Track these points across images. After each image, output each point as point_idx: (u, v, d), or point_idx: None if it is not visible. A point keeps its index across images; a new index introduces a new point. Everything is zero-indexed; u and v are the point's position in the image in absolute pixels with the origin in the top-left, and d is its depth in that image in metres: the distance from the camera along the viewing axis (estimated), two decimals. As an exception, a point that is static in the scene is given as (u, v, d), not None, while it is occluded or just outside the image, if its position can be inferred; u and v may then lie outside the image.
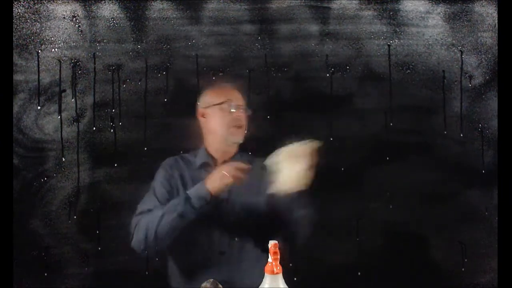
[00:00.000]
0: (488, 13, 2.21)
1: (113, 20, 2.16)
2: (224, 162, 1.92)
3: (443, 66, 2.21)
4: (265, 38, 2.20)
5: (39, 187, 2.13)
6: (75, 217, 2.13)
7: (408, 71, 2.21)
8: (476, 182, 2.20)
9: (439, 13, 2.21)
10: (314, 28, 2.21)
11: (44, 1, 2.13)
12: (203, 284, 1.40)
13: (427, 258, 2.21)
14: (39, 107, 2.13)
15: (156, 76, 2.18)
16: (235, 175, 1.75)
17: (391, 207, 2.17)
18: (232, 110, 1.91)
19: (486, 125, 2.21)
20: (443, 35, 2.21)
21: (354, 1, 2.20)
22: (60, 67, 2.14)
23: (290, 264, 1.82)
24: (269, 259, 1.36)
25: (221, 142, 1.93)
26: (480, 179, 2.19)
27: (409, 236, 2.20)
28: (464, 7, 2.21)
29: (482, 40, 2.21)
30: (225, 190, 1.78)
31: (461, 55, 2.20)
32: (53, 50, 2.14)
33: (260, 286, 1.37)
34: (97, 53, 2.15)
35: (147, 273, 2.10)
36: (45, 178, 2.13)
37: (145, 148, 2.15)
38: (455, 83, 2.21)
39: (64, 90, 2.14)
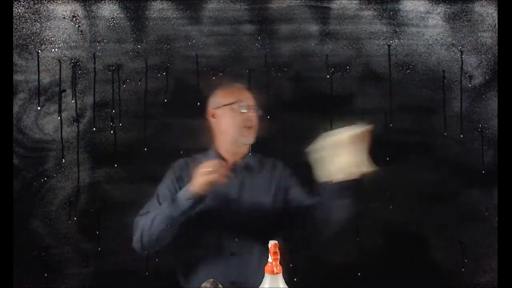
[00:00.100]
0: (488, 13, 2.20)
1: (113, 20, 2.16)
2: (235, 162, 1.93)
3: (443, 66, 2.21)
4: (265, 38, 2.20)
5: (39, 187, 2.13)
6: (75, 218, 2.13)
7: (408, 71, 2.21)
8: (476, 182, 2.20)
9: (439, 13, 2.21)
10: (314, 28, 2.21)
11: (44, 1, 2.13)
12: (203, 284, 1.40)
13: (427, 258, 2.21)
14: (39, 108, 2.13)
15: (156, 76, 2.18)
16: (216, 172, 1.72)
17: (391, 207, 2.16)
18: (242, 111, 1.90)
19: (486, 125, 2.21)
20: (443, 35, 2.21)
21: (354, 1, 2.20)
22: (60, 67, 2.14)
23: (290, 265, 1.82)
24: (269, 259, 1.36)
25: (232, 143, 1.93)
26: (480, 179, 2.19)
27: (409, 236, 2.20)
28: (464, 7, 2.21)
29: (482, 40, 2.21)
30: (209, 188, 1.74)
31: (461, 55, 2.20)
32: (53, 50, 2.14)
33: (260, 286, 1.37)
34: (97, 53, 2.15)
35: (147, 273, 2.10)
36: (45, 178, 2.13)
37: (145, 149, 2.15)
38: (455, 83, 2.21)
39: (64, 90, 2.14)
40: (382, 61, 2.21)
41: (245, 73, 2.18)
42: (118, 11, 2.16)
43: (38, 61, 2.12)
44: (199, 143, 2.03)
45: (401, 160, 2.18)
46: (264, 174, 1.94)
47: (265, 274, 1.37)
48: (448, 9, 2.21)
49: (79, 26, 2.14)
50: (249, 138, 1.93)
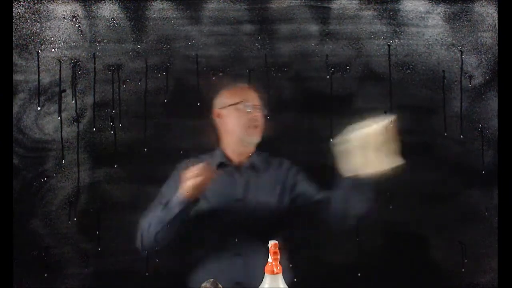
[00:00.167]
0: (488, 13, 2.21)
1: (113, 20, 2.16)
2: (240, 162, 1.93)
3: (443, 66, 2.21)
4: (265, 38, 2.20)
5: (39, 187, 2.13)
6: (75, 219, 2.13)
7: (408, 71, 2.21)
8: (476, 182, 2.20)
9: (439, 13, 2.21)
10: (314, 28, 2.21)
11: (44, 1, 2.13)
12: (203, 284, 1.40)
13: (427, 258, 2.21)
14: (39, 108, 2.13)
15: (156, 76, 2.18)
16: (202, 175, 1.71)
17: (391, 207, 2.17)
18: (248, 110, 1.90)
19: (486, 125, 2.21)
20: (443, 35, 2.21)
21: (354, 1, 2.20)
22: (60, 67, 2.14)
23: (290, 265, 1.82)
24: (269, 259, 1.36)
25: (238, 143, 1.93)
26: (480, 179, 2.19)
27: (409, 236, 2.20)
28: (464, 7, 2.21)
29: (482, 40, 2.21)
30: (197, 192, 1.74)
31: (461, 55, 2.20)
32: (53, 50, 2.14)
33: (260, 286, 1.37)
34: (97, 53, 2.15)
35: (147, 273, 2.10)
36: (45, 178, 2.13)
37: (145, 149, 2.15)
38: (455, 83, 2.21)
39: (64, 90, 2.14)
40: (382, 61, 2.21)
41: (245, 73, 2.18)
42: (118, 11, 2.16)
43: (38, 61, 2.12)
44: (200, 143, 2.03)
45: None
46: (270, 174, 1.94)
47: (265, 274, 1.37)
48: (448, 9, 2.21)
49: (79, 26, 2.14)
50: (255, 138, 1.93)
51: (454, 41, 2.21)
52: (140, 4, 2.16)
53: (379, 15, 2.21)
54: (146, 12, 2.17)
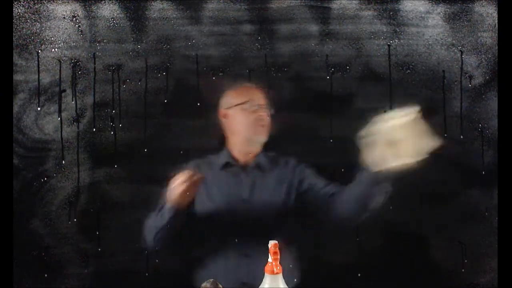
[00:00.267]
0: (488, 13, 2.20)
1: (113, 20, 2.16)
2: (246, 162, 1.92)
3: (443, 66, 2.21)
4: (265, 38, 2.20)
5: (39, 187, 2.13)
6: (75, 219, 2.13)
7: (408, 71, 2.21)
8: (476, 182, 2.20)
9: (439, 13, 2.21)
10: (314, 28, 2.21)
11: (44, 1, 2.13)
12: (203, 284, 1.40)
13: (427, 258, 2.21)
14: (39, 108, 2.13)
15: (156, 76, 2.18)
16: (188, 182, 1.71)
17: (391, 207, 2.16)
18: (254, 109, 1.90)
19: (486, 125, 2.21)
20: (443, 35, 2.21)
21: (354, 1, 2.20)
22: (60, 67, 2.14)
23: (290, 265, 1.82)
24: (269, 259, 1.36)
25: (244, 142, 1.93)
26: (480, 179, 2.19)
27: (409, 236, 2.20)
28: (464, 7, 2.20)
29: (482, 40, 2.21)
30: (184, 200, 1.74)
31: (461, 55, 2.20)
32: (53, 50, 2.14)
33: (260, 286, 1.37)
34: (97, 53, 2.15)
35: (147, 274, 2.10)
36: (45, 178, 2.13)
37: (145, 149, 2.15)
38: (455, 83, 2.21)
39: (64, 90, 2.14)
40: (382, 61, 2.21)
41: (245, 73, 2.18)
42: (118, 11, 2.16)
43: (38, 61, 2.12)
44: (200, 143, 2.03)
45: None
46: (276, 173, 1.93)
47: (265, 274, 1.37)
48: (448, 9, 2.21)
49: (79, 26, 2.14)
50: (262, 137, 1.92)
51: (454, 41, 2.21)
52: (140, 4, 2.16)
53: (379, 15, 2.21)
54: (146, 12, 2.17)
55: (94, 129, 2.15)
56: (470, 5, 2.20)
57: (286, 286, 1.37)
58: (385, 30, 2.21)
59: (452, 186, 2.20)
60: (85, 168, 2.15)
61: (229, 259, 1.84)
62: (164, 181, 1.95)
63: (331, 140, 2.16)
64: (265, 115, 1.92)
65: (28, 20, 2.12)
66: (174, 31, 2.18)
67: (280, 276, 1.37)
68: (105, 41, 2.15)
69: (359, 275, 2.13)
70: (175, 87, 2.18)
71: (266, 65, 2.19)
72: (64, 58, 2.14)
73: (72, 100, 2.14)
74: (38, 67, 2.12)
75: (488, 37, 2.21)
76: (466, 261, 2.18)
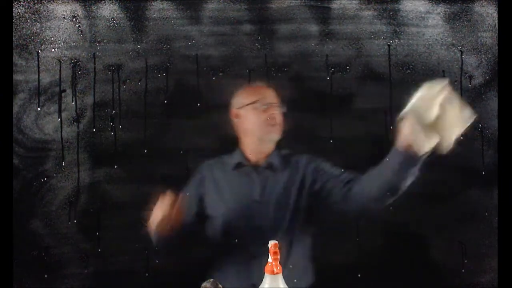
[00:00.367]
0: (488, 13, 2.20)
1: (113, 20, 2.16)
2: (258, 162, 1.92)
3: (443, 66, 2.21)
4: (265, 38, 2.20)
5: (39, 187, 2.13)
6: (75, 220, 2.13)
7: (408, 71, 2.21)
8: (476, 182, 2.20)
9: (439, 13, 2.21)
10: (314, 28, 2.21)
11: (44, 1, 2.13)
12: (203, 284, 1.40)
13: (427, 258, 2.21)
14: (39, 109, 2.13)
15: (156, 76, 2.18)
16: (165, 208, 1.69)
17: (391, 207, 2.16)
18: (264, 108, 1.89)
19: (486, 125, 2.21)
20: (443, 35, 2.21)
21: (354, 1, 2.20)
22: (60, 67, 2.14)
23: (290, 266, 1.82)
24: (269, 259, 1.36)
25: (257, 142, 1.92)
26: (480, 179, 2.19)
27: (409, 236, 2.20)
28: (464, 7, 2.20)
29: (482, 40, 2.21)
30: (166, 224, 1.72)
31: (461, 55, 2.20)
32: (53, 50, 2.14)
33: (260, 286, 1.37)
34: (97, 53, 2.15)
35: (147, 274, 2.10)
36: (45, 178, 2.13)
37: (145, 150, 2.15)
38: (455, 83, 2.21)
39: (64, 90, 2.14)
40: (382, 61, 2.21)
41: (245, 73, 2.18)
42: (118, 11, 2.16)
43: (38, 61, 2.12)
44: (200, 143, 2.03)
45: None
46: (288, 173, 1.91)
47: (265, 274, 1.37)
48: (448, 9, 2.21)
49: (79, 26, 2.14)
50: (275, 135, 1.92)
51: (454, 41, 2.21)
52: (140, 4, 2.16)
53: (379, 15, 2.21)
54: (146, 12, 2.17)
55: (94, 129, 2.15)
56: (470, 5, 2.20)
57: (286, 286, 1.37)
58: (385, 30, 2.21)
59: (452, 186, 2.20)
60: (85, 168, 2.15)
61: (239, 261, 1.84)
62: (164, 181, 1.95)
63: (331, 141, 2.16)
64: (277, 114, 1.91)
65: (28, 20, 2.12)
66: (174, 31, 2.18)
67: (280, 276, 1.37)
68: (105, 41, 2.15)
69: (359, 275, 2.13)
70: (175, 87, 2.18)
71: (266, 65, 2.19)
72: (64, 58, 2.14)
73: (72, 100, 2.14)
74: (38, 67, 2.12)
75: (488, 37, 2.21)
76: (466, 261, 2.18)
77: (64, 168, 2.14)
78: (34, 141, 2.13)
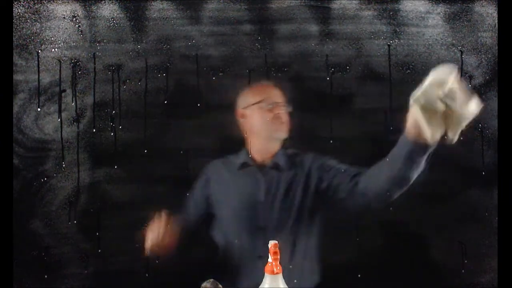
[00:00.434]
0: (488, 13, 2.20)
1: (113, 20, 2.16)
2: (264, 162, 1.91)
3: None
4: (265, 38, 2.20)
5: (39, 187, 2.13)
6: (75, 220, 2.13)
7: (408, 71, 2.21)
8: (476, 182, 2.20)
9: (439, 13, 2.21)
10: (314, 28, 2.21)
11: (44, 1, 2.13)
12: (203, 284, 1.40)
13: (427, 258, 2.21)
14: (39, 109, 2.13)
15: (156, 76, 2.18)
16: (157, 232, 1.74)
17: (391, 208, 2.16)
18: (270, 108, 1.89)
19: (486, 125, 2.21)
20: (443, 35, 2.21)
21: (354, 1, 2.20)
22: (60, 67, 2.13)
23: (290, 266, 1.82)
24: (269, 259, 1.36)
25: (263, 141, 1.92)
26: (480, 179, 2.19)
27: (409, 236, 2.20)
28: (464, 7, 2.20)
29: (482, 40, 2.21)
30: (157, 248, 1.77)
31: (461, 55, 2.20)
32: (53, 50, 2.13)
33: (260, 286, 1.37)
34: (97, 53, 2.15)
35: (147, 274, 2.10)
36: (45, 178, 2.13)
37: (145, 150, 2.14)
38: (455, 83, 2.21)
39: (64, 90, 2.14)
40: (382, 61, 2.21)
41: (245, 73, 2.18)
42: (118, 11, 2.16)
43: (38, 61, 2.12)
44: (201, 142, 2.03)
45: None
46: (293, 173, 1.92)
47: (265, 274, 1.37)
48: (448, 9, 2.21)
49: (79, 26, 2.14)
50: (282, 133, 1.92)
51: (454, 41, 2.21)
52: (140, 4, 2.16)
53: (379, 15, 2.21)
54: (146, 12, 2.17)
55: (94, 129, 2.15)
56: (470, 5, 2.20)
57: (286, 286, 1.37)
58: (385, 30, 2.21)
59: (452, 186, 2.20)
60: (85, 168, 2.15)
61: (245, 261, 1.83)
62: (164, 181, 1.95)
63: (331, 141, 2.16)
64: (282, 113, 1.92)
65: (28, 20, 2.12)
66: (174, 31, 2.18)
67: (280, 276, 1.37)
68: (105, 41, 2.15)
69: (359, 275, 2.13)
70: (175, 87, 2.18)
71: (266, 65, 2.19)
72: (64, 58, 2.14)
73: (72, 100, 2.14)
74: (38, 67, 2.12)
75: (488, 37, 2.20)
76: (466, 261, 2.18)
77: (64, 168, 2.14)
78: (34, 141, 2.13)
